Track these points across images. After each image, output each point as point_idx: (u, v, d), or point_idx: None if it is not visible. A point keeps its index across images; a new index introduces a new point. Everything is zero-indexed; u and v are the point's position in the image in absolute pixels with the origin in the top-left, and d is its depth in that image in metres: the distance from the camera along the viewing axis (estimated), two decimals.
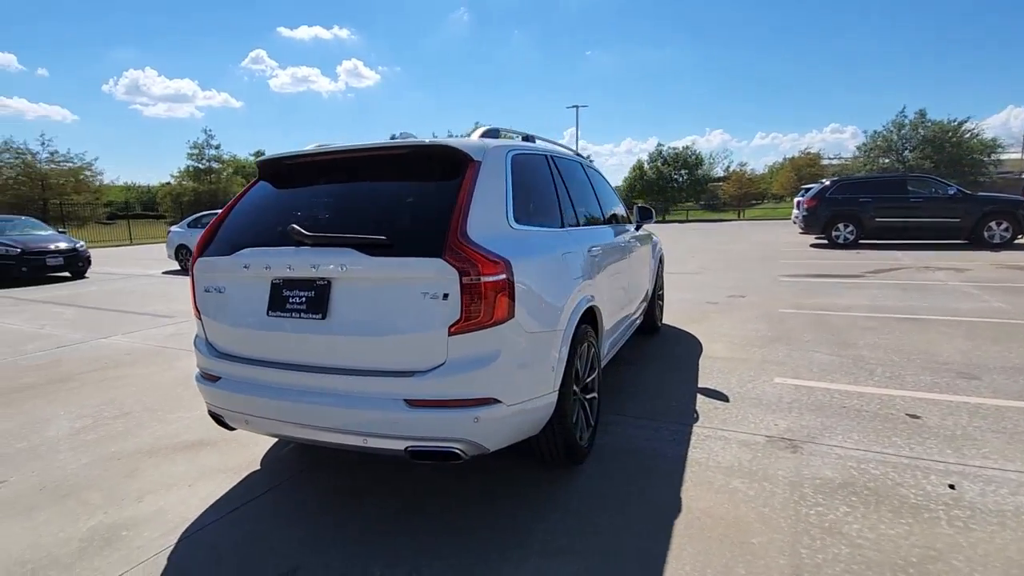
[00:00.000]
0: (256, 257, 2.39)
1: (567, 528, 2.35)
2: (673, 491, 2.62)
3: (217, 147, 38.58)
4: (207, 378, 2.58)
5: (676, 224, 33.94)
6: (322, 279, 2.26)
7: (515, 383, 2.25)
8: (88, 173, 27.94)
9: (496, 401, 2.18)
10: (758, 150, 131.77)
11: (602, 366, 3.52)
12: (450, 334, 2.11)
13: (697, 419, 3.45)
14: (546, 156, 3.16)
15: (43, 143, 25.28)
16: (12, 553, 2.30)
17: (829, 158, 42.58)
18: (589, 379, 3.03)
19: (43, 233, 12.40)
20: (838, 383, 3.99)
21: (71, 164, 27.01)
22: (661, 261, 5.69)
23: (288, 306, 2.32)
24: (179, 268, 13.14)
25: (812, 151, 45.44)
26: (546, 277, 2.50)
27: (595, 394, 3.12)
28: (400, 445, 2.17)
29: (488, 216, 2.30)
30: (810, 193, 15.14)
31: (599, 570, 2.09)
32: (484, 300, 2.11)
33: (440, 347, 2.12)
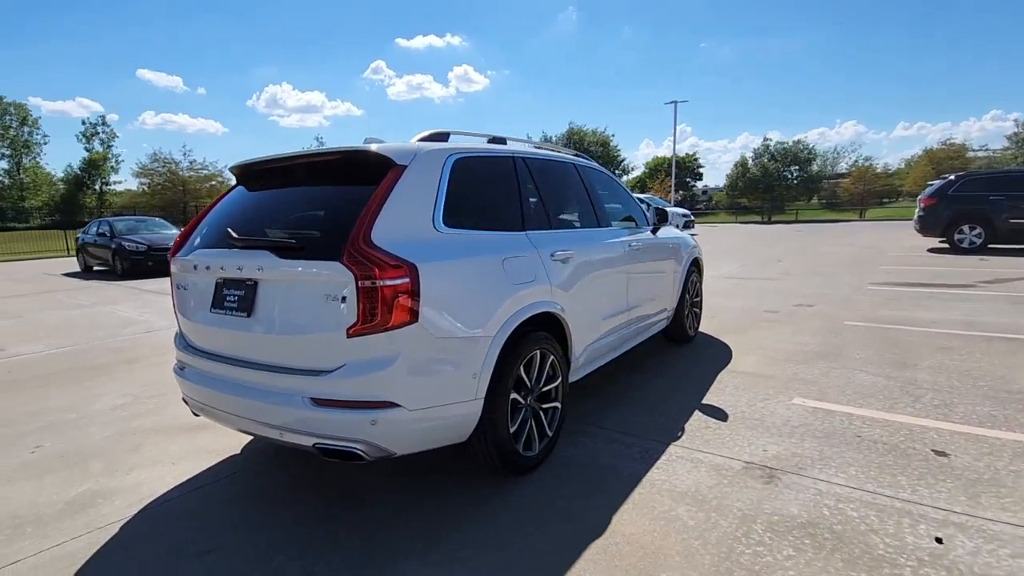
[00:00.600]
0: (204, 257, 2.59)
1: (479, 540, 2.30)
2: (608, 513, 2.45)
3: None
4: (178, 367, 2.83)
5: (781, 225, 31.47)
6: (249, 279, 2.40)
7: (419, 388, 2.23)
8: (220, 179, 31.78)
9: (395, 405, 2.18)
10: (899, 142, 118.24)
11: (580, 375, 3.39)
12: (348, 336, 2.14)
13: (679, 437, 3.20)
14: (513, 158, 3.08)
15: (184, 153, 29.40)
16: (11, 508, 2.67)
17: (975, 149, 37.17)
18: (547, 388, 2.93)
19: (169, 232, 14.21)
20: (868, 408, 3.51)
21: (206, 171, 30.90)
22: (697, 266, 5.33)
23: (225, 304, 2.48)
24: None
25: (956, 142, 39.90)
26: (471, 281, 2.45)
27: (556, 404, 3.01)
28: (309, 441, 2.24)
29: (404, 220, 2.31)
30: (929, 191, 13.34)
31: None
32: (381, 304, 2.12)
33: (341, 349, 2.17)
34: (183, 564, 2.21)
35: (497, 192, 2.94)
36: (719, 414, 3.52)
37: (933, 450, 2.93)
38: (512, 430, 2.65)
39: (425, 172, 2.48)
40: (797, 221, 34.12)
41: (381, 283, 2.11)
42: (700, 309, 5.54)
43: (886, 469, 2.74)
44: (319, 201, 2.50)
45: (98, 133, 54.70)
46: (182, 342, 2.83)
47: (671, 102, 36.06)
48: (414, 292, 2.17)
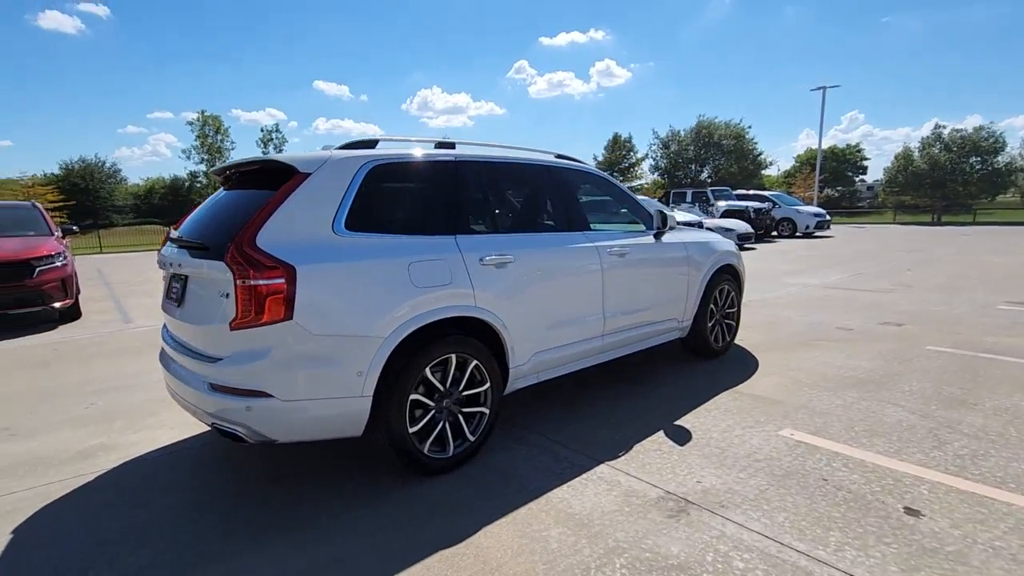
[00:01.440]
0: (165, 253, 2.99)
1: (350, 526, 2.40)
2: (482, 523, 2.42)
3: None
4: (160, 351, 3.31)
5: (951, 228, 26.86)
6: (182, 275, 2.74)
7: (292, 381, 2.39)
8: None
9: (267, 395, 2.36)
10: None
11: (531, 382, 3.33)
12: (231, 329, 2.37)
13: (619, 457, 3.01)
14: (451, 163, 3.11)
15: None
16: (40, 453, 3.32)
17: None
18: (469, 392, 2.94)
19: None
20: (866, 450, 2.99)
21: None
22: (732, 274, 4.86)
23: (171, 295, 2.86)
24: None
25: None
26: (362, 283, 2.54)
27: (482, 409, 3.00)
28: (209, 421, 2.51)
29: (298, 224, 2.47)
30: None
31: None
32: (255, 301, 2.31)
33: (227, 340, 2.40)
34: (117, 510, 2.60)
35: (421, 197, 3.00)
36: (682, 437, 3.24)
37: (905, 507, 2.44)
38: (414, 430, 2.71)
39: (331, 179, 2.62)
40: (975, 223, 28.84)
41: (255, 282, 2.30)
42: (736, 321, 5.05)
43: (824, 521, 2.35)
44: (237, 205, 2.76)
45: (272, 139, 62.67)
46: (163, 327, 3.29)
47: (818, 88, 32.40)
48: (288, 292, 2.33)
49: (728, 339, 4.96)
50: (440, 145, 3.23)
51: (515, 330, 3.12)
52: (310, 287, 2.39)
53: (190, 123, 58.89)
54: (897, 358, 4.64)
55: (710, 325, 4.70)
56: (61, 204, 32.58)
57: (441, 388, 2.82)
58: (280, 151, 62.07)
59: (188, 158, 59.14)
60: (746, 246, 16.18)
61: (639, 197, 4.98)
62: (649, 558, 2.14)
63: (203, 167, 59.33)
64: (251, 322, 2.33)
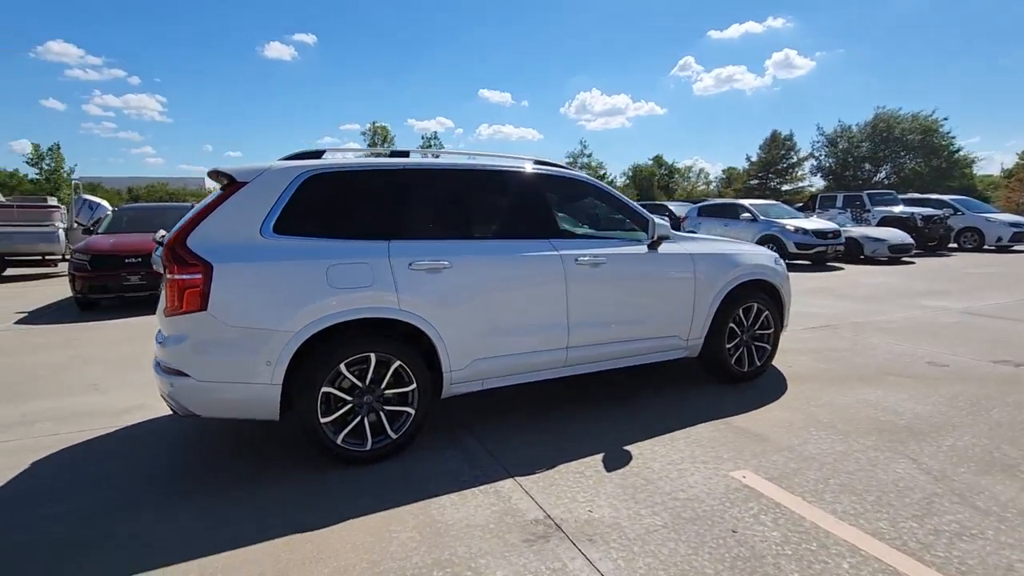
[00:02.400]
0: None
1: (224, 502, 2.67)
2: (346, 517, 2.52)
3: (589, 155, 45.92)
4: None
5: None
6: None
7: (205, 364, 2.73)
8: None
9: (184, 374, 2.73)
10: None
11: (474, 389, 3.35)
12: (165, 316, 2.77)
13: (534, 473, 2.92)
14: (397, 171, 3.24)
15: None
16: (56, 411, 4.07)
17: None
18: (392, 392, 3.06)
19: None
20: (818, 507, 2.53)
21: None
22: (765, 291, 4.34)
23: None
24: None
25: None
26: (276, 281, 2.79)
27: (406, 409, 3.10)
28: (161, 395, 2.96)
29: (228, 227, 2.81)
30: None
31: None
32: (177, 292, 2.68)
33: (165, 325, 2.82)
34: (91, 469, 3.17)
35: (357, 204, 3.17)
36: (616, 463, 3.01)
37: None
38: (326, 420, 2.90)
39: (265, 188, 2.92)
40: None
41: (178, 276, 2.68)
42: (772, 344, 4.46)
43: (701, 567, 2.07)
44: (197, 209, 3.17)
45: (431, 145, 67.82)
46: None
47: None
48: (204, 286, 2.67)
49: (759, 363, 4.41)
50: (394, 154, 3.40)
51: (450, 335, 3.16)
52: (225, 283, 2.70)
53: (363, 133, 66.16)
54: (972, 406, 3.75)
55: (730, 347, 4.23)
56: None
57: (360, 384, 2.98)
58: (436, 157, 67.26)
59: None
60: (903, 259, 13.92)
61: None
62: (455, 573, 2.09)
63: None
64: (176, 310, 2.71)
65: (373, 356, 2.99)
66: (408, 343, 3.09)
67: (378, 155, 3.39)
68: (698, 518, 2.46)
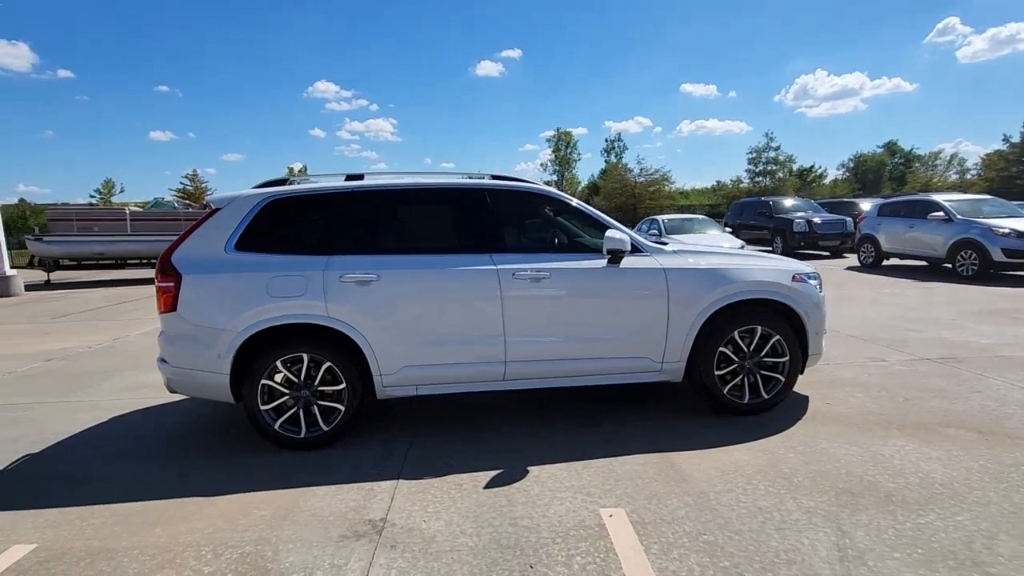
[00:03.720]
0: None
1: (200, 467, 3.33)
2: (218, 490, 2.99)
3: (777, 148, 40.93)
4: None
5: None
6: None
7: (175, 353, 3.44)
8: (665, 183, 34.99)
9: (164, 361, 3.48)
10: None
11: (407, 393, 3.58)
12: (159, 314, 3.57)
13: (419, 479, 3.06)
14: (342, 193, 3.62)
15: (638, 160, 34.30)
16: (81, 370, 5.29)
17: None
18: (325, 389, 3.48)
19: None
20: (652, 556, 2.26)
21: (653, 176, 34.64)
22: (783, 313, 3.77)
23: None
24: None
25: None
26: (226, 289, 3.38)
27: (336, 405, 3.49)
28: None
29: (199, 246, 3.49)
30: None
31: None
32: (161, 296, 3.44)
33: (160, 322, 3.61)
34: (134, 428, 4.17)
35: (306, 223, 3.61)
36: (504, 480, 3.00)
37: None
38: (266, 408, 3.43)
39: (233, 212, 3.55)
40: None
41: (160, 284, 3.44)
42: (788, 375, 3.82)
43: None
44: (186, 229, 3.87)
45: (615, 148, 67.50)
46: None
47: None
48: (175, 292, 3.39)
49: (765, 396, 3.82)
50: (350, 177, 3.79)
51: (377, 342, 3.46)
52: (189, 290, 3.39)
53: (548, 140, 68.59)
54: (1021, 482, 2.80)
55: (721, 373, 3.76)
56: None
57: (296, 380, 3.46)
58: (620, 159, 66.69)
59: (544, 170, 68.95)
60: None
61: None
62: (252, 555, 2.38)
63: (555, 178, 68.38)
64: (162, 310, 3.47)
65: (306, 356, 3.43)
66: (338, 347, 3.46)
67: (354, 178, 3.79)
68: (514, 547, 2.38)
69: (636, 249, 3.74)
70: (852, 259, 14.30)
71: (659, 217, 14.20)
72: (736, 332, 3.74)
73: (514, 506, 2.73)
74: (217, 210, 3.58)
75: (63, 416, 4.29)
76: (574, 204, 3.86)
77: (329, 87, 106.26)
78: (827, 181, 47.75)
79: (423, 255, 3.62)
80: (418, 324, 3.51)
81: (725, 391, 3.78)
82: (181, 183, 42.21)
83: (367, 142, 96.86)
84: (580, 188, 64.92)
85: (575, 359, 3.66)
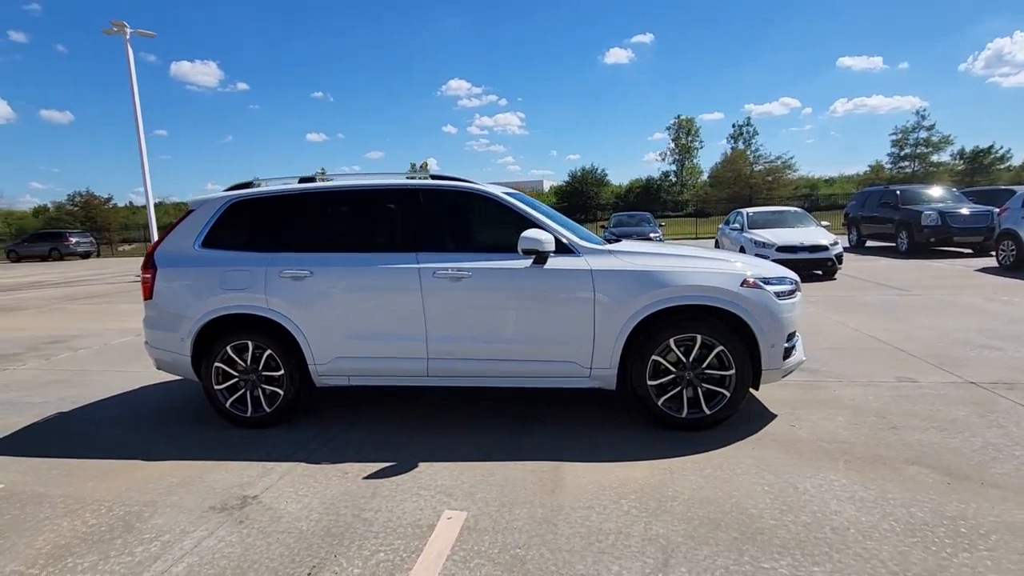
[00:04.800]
0: None
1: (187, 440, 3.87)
2: (153, 455, 3.42)
3: (931, 127, 34.83)
4: None
5: None
6: None
7: (152, 335, 3.99)
8: (787, 170, 31.52)
9: (147, 342, 4.05)
10: None
11: (340, 383, 3.83)
12: (143, 301, 4.14)
13: (315, 463, 3.28)
14: (288, 196, 3.92)
15: (753, 148, 31.23)
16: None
17: None
18: (267, 374, 3.83)
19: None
20: (449, 562, 2.26)
21: (772, 164, 31.44)
22: (731, 323, 3.44)
23: None
24: None
25: None
26: (187, 281, 3.84)
27: (276, 389, 3.83)
28: None
29: (176, 243, 4.00)
30: None
31: None
32: (143, 285, 4.01)
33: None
34: (152, 398, 4.86)
35: (259, 223, 3.95)
36: (383, 474, 3.11)
37: None
38: (219, 387, 3.86)
39: (202, 213, 4.01)
40: None
41: (143, 275, 4.01)
42: (733, 390, 3.46)
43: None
44: (168, 227, 4.39)
45: (743, 133, 62.98)
46: None
47: None
48: (152, 282, 3.93)
49: (707, 412, 3.50)
50: (303, 180, 4.08)
51: (310, 333, 3.73)
52: (163, 280, 3.91)
53: (668, 127, 65.72)
54: (919, 526, 2.31)
55: (656, 384, 3.53)
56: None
57: (243, 364, 3.85)
58: (748, 144, 61.78)
59: (663, 159, 66.20)
60: None
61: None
62: (133, 514, 2.74)
63: (674, 167, 65.38)
64: (143, 298, 4.05)
65: (251, 344, 3.81)
66: (278, 337, 3.79)
67: (307, 180, 4.08)
68: (339, 535, 2.50)
69: (567, 249, 3.61)
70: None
71: (744, 210, 13.11)
72: (672, 340, 3.47)
73: (373, 498, 2.83)
74: (192, 211, 4.07)
75: (110, 383, 5.14)
76: (506, 203, 3.80)
77: (461, 84, 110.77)
78: (1015, 163, 40.01)
79: (356, 253, 3.80)
80: (347, 318, 3.72)
81: (660, 403, 3.53)
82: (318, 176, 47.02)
83: (495, 136, 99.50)
84: (701, 178, 61.43)
85: (498, 360, 3.64)
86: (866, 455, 3.10)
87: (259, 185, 4.14)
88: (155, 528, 2.62)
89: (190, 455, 3.46)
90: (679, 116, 63.82)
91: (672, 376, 3.52)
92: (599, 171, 59.89)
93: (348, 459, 3.31)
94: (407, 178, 3.94)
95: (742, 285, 3.44)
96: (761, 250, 10.83)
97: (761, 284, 3.47)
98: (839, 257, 10.62)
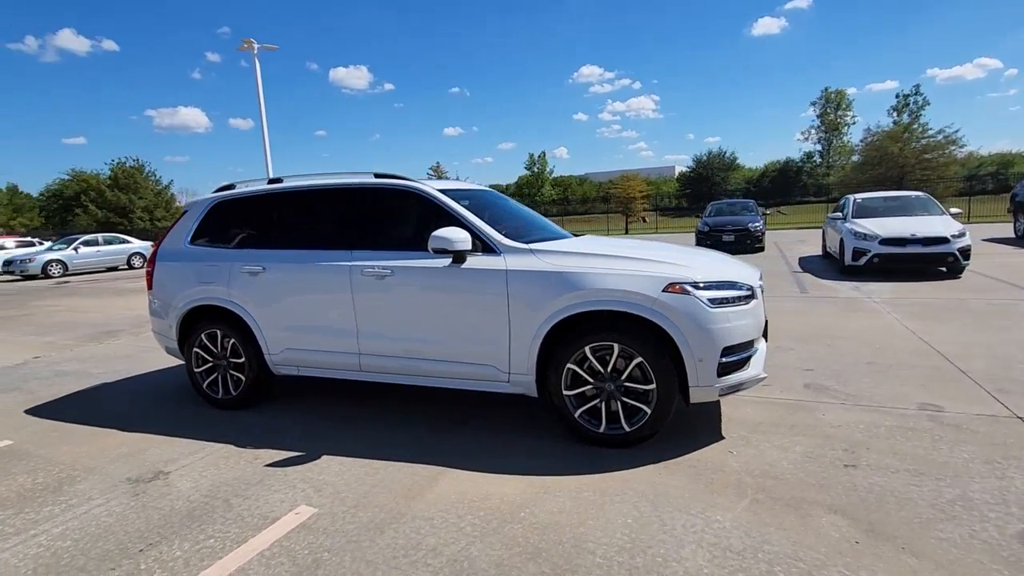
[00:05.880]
0: None
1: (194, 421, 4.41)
2: (128, 428, 3.89)
3: None
4: None
5: None
6: None
7: (154, 322, 4.54)
8: (950, 147, 26.14)
9: (152, 328, 4.63)
10: None
11: (291, 372, 4.07)
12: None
13: (244, 447, 3.54)
14: (253, 197, 4.21)
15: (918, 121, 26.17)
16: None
17: None
18: (235, 360, 4.20)
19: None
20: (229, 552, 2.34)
21: (932, 140, 26.29)
22: (653, 331, 3.11)
23: None
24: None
25: None
26: (176, 274, 4.30)
27: (240, 375, 4.18)
28: None
29: (174, 240, 4.49)
30: None
31: None
32: (146, 278, 4.59)
33: None
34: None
35: (231, 222, 4.28)
36: (289, 462, 3.27)
37: None
38: (198, 370, 4.31)
39: (193, 213, 4.47)
40: None
41: (147, 268, 4.58)
42: (654, 407, 3.10)
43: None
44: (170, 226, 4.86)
45: (908, 105, 54.89)
46: None
47: None
48: (151, 275, 4.48)
49: (626, 429, 3.18)
50: (271, 182, 4.35)
51: (264, 325, 4.01)
52: (159, 273, 4.44)
53: (813, 102, 59.23)
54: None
55: (573, 394, 3.28)
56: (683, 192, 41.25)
57: (215, 351, 4.25)
58: (916, 117, 53.27)
59: (806, 139, 59.87)
60: None
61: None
62: (68, 478, 3.17)
63: (818, 147, 58.82)
64: (147, 288, 4.62)
65: (219, 332, 4.19)
66: (239, 327, 4.12)
67: (274, 182, 4.35)
68: (183, 518, 2.69)
69: (489, 248, 3.47)
70: None
71: (854, 196, 11.43)
72: (588, 348, 3.19)
73: (255, 486, 2.99)
74: (186, 211, 4.56)
75: (163, 361, 5.94)
76: (436, 201, 3.71)
77: (593, 71, 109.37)
78: None
79: (302, 250, 3.99)
80: (293, 312, 3.93)
81: (577, 415, 3.27)
82: (428, 174, 49.58)
83: (628, 122, 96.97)
84: (853, 159, 54.50)
85: (422, 359, 3.62)
86: (785, 496, 2.61)
87: (237, 187, 4.51)
88: (75, 492, 3.02)
89: (157, 429, 3.90)
90: (826, 89, 57.09)
91: (590, 387, 3.24)
92: (728, 154, 55.82)
93: (271, 446, 3.52)
94: (356, 179, 4.04)
95: (665, 290, 3.05)
96: (861, 243, 9.41)
97: (689, 289, 3.05)
98: (964, 252, 8.86)
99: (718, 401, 3.77)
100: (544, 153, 61.92)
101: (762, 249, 14.70)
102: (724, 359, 3.07)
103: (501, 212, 4.35)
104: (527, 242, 3.55)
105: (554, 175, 64.16)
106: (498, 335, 3.37)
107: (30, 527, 2.69)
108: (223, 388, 4.26)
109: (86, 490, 3.04)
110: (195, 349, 4.31)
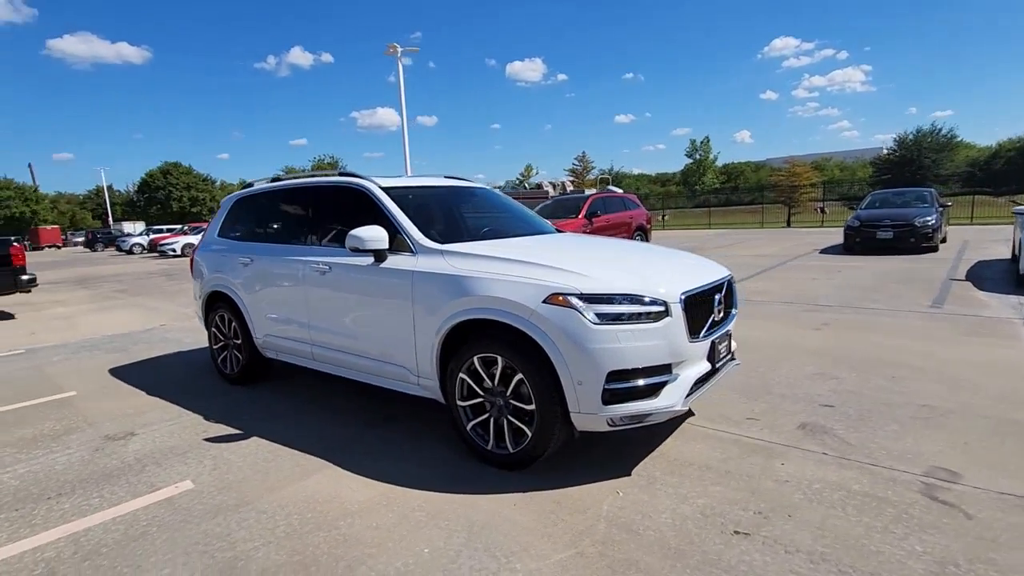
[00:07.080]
0: None
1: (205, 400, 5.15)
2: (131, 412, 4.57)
3: None
4: None
5: None
6: None
7: (196, 304, 5.28)
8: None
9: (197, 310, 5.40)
10: None
11: (272, 355, 4.46)
12: None
13: (218, 423, 3.97)
14: (252, 194, 4.62)
15: None
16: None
17: None
18: (236, 342, 4.72)
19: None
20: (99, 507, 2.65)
21: None
22: (532, 346, 2.83)
23: None
24: None
25: None
26: (206, 263, 4.92)
27: (238, 355, 4.68)
28: None
29: (210, 232, 5.17)
30: None
31: None
32: (190, 267, 5.33)
33: None
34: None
35: (241, 217, 4.75)
36: (222, 439, 3.59)
37: None
38: (213, 347, 4.93)
39: (223, 209, 5.08)
40: None
41: (192, 256, 5.32)
42: (534, 429, 2.79)
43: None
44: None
45: None
46: None
47: None
48: (195, 263, 5.21)
49: (511, 450, 2.92)
50: (274, 179, 4.74)
51: (252, 310, 4.45)
52: (196, 262, 5.15)
53: None
54: None
55: (467, 405, 3.11)
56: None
57: (225, 331, 4.81)
58: None
59: None
60: None
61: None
62: (69, 427, 3.85)
63: None
64: (192, 275, 5.37)
65: (226, 316, 4.73)
66: (237, 312, 4.60)
67: (277, 180, 4.74)
68: (94, 473, 3.11)
69: (409, 248, 3.41)
70: None
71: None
72: (476, 358, 2.98)
73: (174, 456, 3.35)
74: (221, 206, 5.20)
75: None
76: (374, 198, 3.69)
77: (788, 43, 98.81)
78: None
79: (278, 244, 4.32)
80: (268, 300, 4.29)
81: (469, 427, 3.08)
82: (573, 164, 49.10)
83: (828, 98, 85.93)
84: None
85: (352, 355, 3.70)
86: (620, 556, 2.17)
87: (255, 185, 5.01)
88: (66, 441, 3.68)
89: (169, 396, 4.54)
90: None
91: (480, 400, 3.02)
92: (943, 132, 46.26)
93: (229, 423, 3.89)
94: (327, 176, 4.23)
95: (546, 300, 2.70)
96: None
97: (573, 301, 2.66)
98: None
99: (670, 431, 3.27)
100: (708, 139, 57.74)
101: (934, 249, 12.00)
102: (611, 385, 2.63)
103: (470, 211, 4.27)
104: (448, 243, 3.40)
105: (727, 162, 59.40)
106: (406, 336, 3.31)
107: (18, 463, 3.34)
108: (229, 365, 4.80)
109: (73, 440, 3.68)
110: (212, 329, 4.92)
